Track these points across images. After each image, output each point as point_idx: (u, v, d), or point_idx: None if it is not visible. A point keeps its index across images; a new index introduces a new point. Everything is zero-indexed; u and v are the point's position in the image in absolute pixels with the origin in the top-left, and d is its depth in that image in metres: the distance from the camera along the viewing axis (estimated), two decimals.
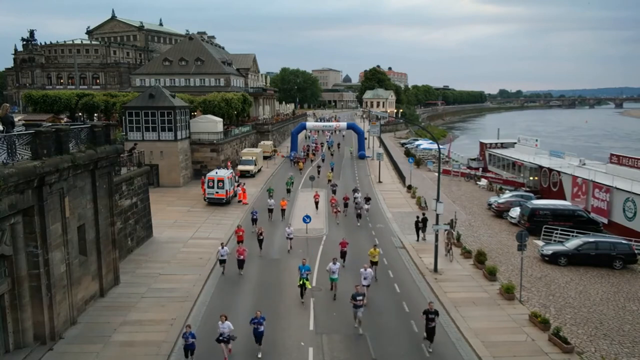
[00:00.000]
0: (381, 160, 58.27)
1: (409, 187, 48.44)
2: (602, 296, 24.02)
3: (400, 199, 45.70)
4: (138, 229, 30.11)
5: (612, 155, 48.67)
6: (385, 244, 31.50)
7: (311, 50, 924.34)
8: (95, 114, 66.84)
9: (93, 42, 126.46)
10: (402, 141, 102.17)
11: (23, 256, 16.92)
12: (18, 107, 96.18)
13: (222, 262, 25.77)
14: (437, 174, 32.44)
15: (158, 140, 47.22)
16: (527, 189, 50.04)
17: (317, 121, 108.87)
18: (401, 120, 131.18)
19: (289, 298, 22.74)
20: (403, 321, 20.85)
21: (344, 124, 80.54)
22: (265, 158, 64.12)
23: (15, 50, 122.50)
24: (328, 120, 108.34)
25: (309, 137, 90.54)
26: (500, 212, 40.18)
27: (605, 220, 37.45)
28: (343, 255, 26.87)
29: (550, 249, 29.25)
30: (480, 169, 63.33)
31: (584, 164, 49.01)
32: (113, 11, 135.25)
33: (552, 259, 28.56)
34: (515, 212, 37.97)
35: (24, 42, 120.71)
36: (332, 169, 54.63)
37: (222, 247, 25.97)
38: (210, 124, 54.02)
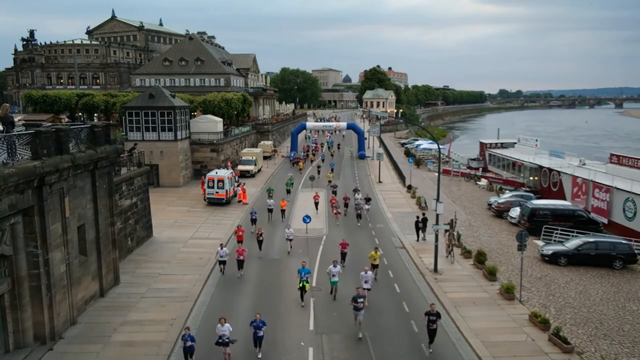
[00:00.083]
0: (381, 160, 58.26)
1: (409, 187, 48.44)
2: (602, 296, 24.02)
3: (400, 199, 45.70)
4: (138, 229, 30.11)
5: (612, 155, 48.67)
6: (385, 244, 31.50)
7: (311, 50, 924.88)
8: (95, 114, 66.82)
9: (93, 42, 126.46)
10: (402, 141, 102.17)
11: (23, 256, 16.93)
12: (18, 107, 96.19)
13: (222, 262, 25.59)
14: (437, 174, 32.44)
15: (158, 140, 47.22)
16: (527, 189, 50.03)
17: (317, 121, 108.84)
18: (401, 120, 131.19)
19: (289, 298, 22.73)
20: (403, 321, 20.84)
21: (344, 124, 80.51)
22: (265, 158, 64.12)
23: (15, 50, 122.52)
24: (328, 121, 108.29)
25: (309, 137, 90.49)
26: (500, 212, 40.17)
27: (605, 220, 37.45)
28: (343, 256, 26.68)
29: (550, 249, 29.25)
30: (480, 169, 63.33)
31: (584, 164, 49.01)
32: (113, 11, 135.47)
33: (552, 259, 28.56)
34: (515, 212, 37.97)
35: (24, 42, 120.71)
36: (332, 170, 54.46)
37: (222, 248, 25.77)
38: (210, 124, 54.01)
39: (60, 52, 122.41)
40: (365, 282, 21.95)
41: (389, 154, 71.70)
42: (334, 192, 42.86)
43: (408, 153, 77.54)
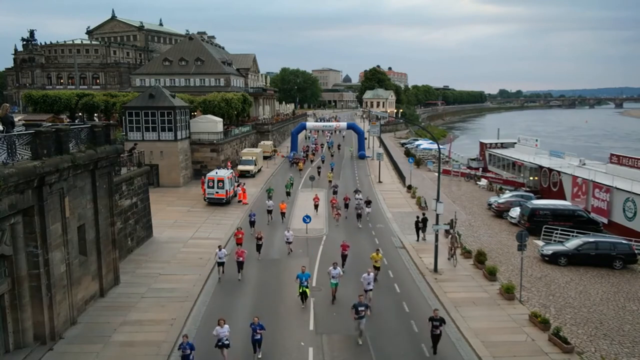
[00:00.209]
0: (381, 160, 58.25)
1: (409, 187, 48.44)
2: (602, 296, 24.02)
3: (400, 199, 45.70)
4: (138, 229, 30.10)
5: (612, 155, 48.67)
6: (385, 244, 31.49)
7: (311, 50, 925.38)
8: (95, 114, 66.81)
9: (93, 42, 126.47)
10: (402, 141, 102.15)
11: (23, 256, 16.92)
12: (18, 107, 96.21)
13: (220, 264, 25.18)
14: (437, 174, 32.44)
15: (158, 140, 47.21)
16: (527, 189, 50.03)
17: (317, 121, 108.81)
18: (401, 120, 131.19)
19: (288, 298, 22.70)
20: (403, 321, 20.84)
21: (344, 124, 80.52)
22: (265, 158, 64.11)
23: (15, 50, 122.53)
24: (328, 121, 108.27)
25: (309, 137, 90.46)
26: (500, 212, 40.16)
27: (605, 220, 37.45)
28: (344, 258, 26.26)
29: (550, 249, 29.24)
30: (480, 169, 63.32)
31: (584, 164, 49.01)
32: (113, 11, 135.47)
33: (552, 259, 28.55)
34: (515, 212, 37.96)
35: (24, 42, 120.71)
36: (332, 170, 54.40)
37: (220, 250, 25.31)
38: (210, 124, 54.01)
39: (60, 52, 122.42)
40: (368, 283, 21.62)
41: (389, 154, 71.70)
42: (335, 192, 42.71)
43: (408, 153, 77.54)
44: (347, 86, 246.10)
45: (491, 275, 25.17)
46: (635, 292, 24.77)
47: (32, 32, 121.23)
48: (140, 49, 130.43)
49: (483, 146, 69.60)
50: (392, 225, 36.21)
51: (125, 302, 21.78)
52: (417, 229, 32.12)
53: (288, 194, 44.04)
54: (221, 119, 58.01)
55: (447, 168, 60.92)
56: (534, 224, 33.89)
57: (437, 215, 26.73)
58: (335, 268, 22.38)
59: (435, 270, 26.23)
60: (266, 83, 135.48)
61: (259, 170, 57.76)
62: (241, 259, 25.06)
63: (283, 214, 36.77)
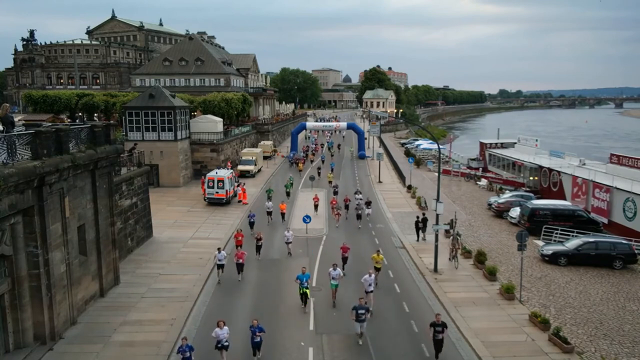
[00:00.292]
0: (381, 160, 58.24)
1: (409, 187, 48.44)
2: (602, 296, 24.02)
3: (400, 199, 45.70)
4: (138, 229, 30.10)
5: (612, 155, 48.67)
6: (385, 244, 31.49)
7: (311, 50, 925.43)
8: (95, 114, 66.81)
9: (93, 42, 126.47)
10: (402, 141, 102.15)
11: (23, 256, 16.93)
12: (18, 107, 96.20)
13: (220, 267, 24.75)
14: (437, 174, 32.43)
15: (158, 140, 47.22)
16: (527, 189, 50.03)
17: (317, 121, 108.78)
18: (401, 120, 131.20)
19: (289, 298, 22.69)
20: (403, 321, 20.84)
21: (344, 124, 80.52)
22: (265, 158, 64.11)
23: (15, 50, 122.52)
24: (328, 121, 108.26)
25: (309, 137, 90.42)
26: (500, 212, 40.16)
27: (605, 220, 37.45)
28: (344, 261, 25.90)
29: (550, 249, 29.24)
30: (480, 169, 63.32)
31: (584, 164, 49.01)
32: (113, 11, 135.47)
33: (552, 259, 28.55)
34: (515, 212, 37.96)
35: (24, 42, 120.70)
36: (332, 170, 54.17)
37: (219, 252, 24.95)
38: (210, 124, 54.02)
39: (60, 52, 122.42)
40: (369, 285, 21.30)
41: (389, 154, 71.70)
42: (335, 193, 42.49)
43: (408, 153, 77.54)
44: (347, 86, 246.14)
45: (491, 275, 25.17)
46: (635, 292, 24.77)
47: (32, 32, 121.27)
48: (140, 49, 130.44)
49: (483, 146, 69.60)
50: (392, 225, 36.20)
51: (125, 302, 21.78)
52: (417, 229, 32.12)
53: (288, 194, 43.91)
54: (221, 119, 58.02)
55: (447, 168, 60.93)
56: (534, 224, 33.89)
57: (437, 215, 26.72)
58: (335, 269, 22.12)
59: (435, 270, 26.23)
60: (266, 83, 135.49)
61: (259, 170, 57.76)
62: (241, 260, 24.83)
63: (283, 214, 36.59)
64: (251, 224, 33.39)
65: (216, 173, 41.79)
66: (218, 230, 33.74)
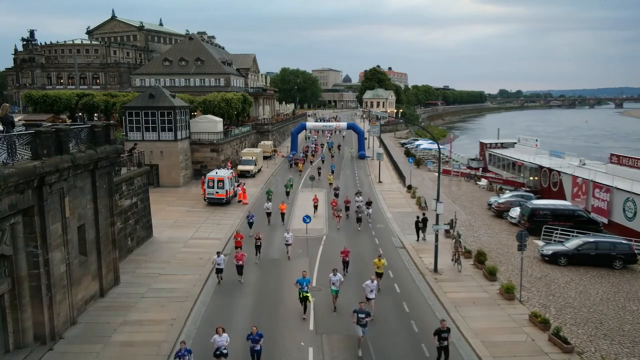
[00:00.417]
0: (381, 160, 58.24)
1: (409, 187, 48.44)
2: (602, 296, 24.02)
3: (400, 199, 45.71)
4: (138, 229, 30.10)
5: (612, 155, 48.64)
6: (385, 244, 31.50)
7: (311, 50, 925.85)
8: (95, 114, 66.87)
9: (93, 42, 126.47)
10: (402, 141, 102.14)
11: (23, 256, 16.93)
12: (18, 107, 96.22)
13: (219, 271, 24.29)
14: (437, 174, 32.43)
15: (158, 140, 47.24)
16: (527, 189, 50.01)
17: (317, 121, 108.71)
18: (401, 120, 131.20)
19: (289, 298, 22.65)
20: (403, 321, 20.84)
21: (344, 124, 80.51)
22: (265, 158, 64.10)
23: (15, 50, 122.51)
24: (328, 121, 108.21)
25: (309, 137, 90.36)
26: (500, 212, 40.16)
27: (605, 220, 37.44)
28: (345, 265, 25.32)
29: (550, 249, 29.24)
30: (480, 169, 63.31)
31: (584, 164, 49.00)
32: (113, 11, 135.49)
33: (552, 259, 28.55)
34: (515, 212, 37.95)
35: (24, 42, 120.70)
36: (332, 172, 53.58)
37: (218, 256, 24.46)
38: (210, 124, 54.04)
39: (60, 52, 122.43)
40: (371, 291, 20.73)
41: (389, 154, 71.71)
42: (336, 195, 41.92)
43: (408, 153, 77.53)
44: (347, 86, 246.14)
45: (491, 275, 25.18)
46: (635, 292, 24.78)
47: (32, 32, 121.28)
48: (140, 49, 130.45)
49: (483, 146, 69.59)
50: (392, 225, 36.20)
51: (125, 302, 21.78)
52: (417, 229, 32.12)
53: (287, 194, 43.74)
54: (221, 119, 58.04)
55: (447, 168, 60.93)
56: (534, 224, 33.89)
57: (437, 215, 26.72)
58: (335, 275, 21.39)
59: (435, 270, 26.23)
60: (266, 83, 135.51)
61: (259, 170, 57.76)
62: (241, 262, 24.50)
63: (283, 214, 36.29)
64: (250, 225, 33.18)
65: (216, 173, 41.79)
66: (218, 230, 33.74)
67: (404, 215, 38.30)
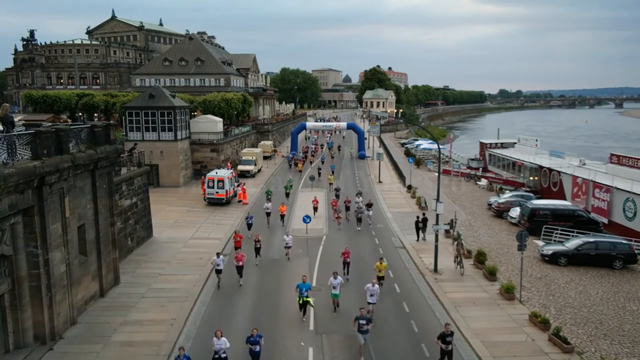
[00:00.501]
0: (381, 160, 58.23)
1: (409, 187, 48.44)
2: (602, 296, 24.02)
3: (400, 199, 45.70)
4: (138, 229, 30.10)
5: (612, 155, 48.64)
6: (385, 244, 31.50)
7: (311, 50, 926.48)
8: (95, 114, 66.88)
9: (93, 42, 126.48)
10: (402, 141, 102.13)
11: (23, 256, 16.93)
12: (18, 107, 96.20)
13: (218, 272, 24.04)
14: (437, 174, 32.43)
15: (158, 140, 47.23)
16: (527, 189, 50.01)
17: (317, 121, 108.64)
18: (401, 120, 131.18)
19: (289, 298, 22.62)
20: (403, 321, 20.83)
21: (344, 124, 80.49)
22: (265, 158, 64.09)
23: (15, 50, 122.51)
24: (328, 121, 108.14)
25: (309, 137, 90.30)
26: (500, 212, 40.15)
27: (606, 220, 37.43)
28: (346, 266, 24.99)
29: (550, 249, 29.24)
30: (480, 169, 63.31)
31: (584, 164, 48.99)
32: (113, 11, 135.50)
33: (552, 259, 28.54)
34: (515, 212, 37.94)
35: (24, 42, 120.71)
36: (332, 172, 53.33)
37: (218, 257, 24.18)
38: (210, 124, 54.03)
39: (60, 52, 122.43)
40: (371, 295, 20.38)
41: (389, 154, 71.70)
42: (337, 196, 41.36)
43: (408, 153, 77.52)
44: (347, 86, 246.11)
45: (491, 275, 25.17)
46: (635, 292, 24.77)
47: (32, 32, 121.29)
48: (140, 49, 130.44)
49: (483, 146, 69.59)
50: (392, 225, 36.19)
51: (125, 302, 21.78)
52: (417, 229, 32.11)
53: (287, 195, 43.56)
54: (221, 119, 58.04)
55: (447, 168, 60.91)
56: (534, 224, 33.88)
57: (437, 215, 26.71)
58: (335, 278, 20.98)
59: (435, 270, 26.22)
60: (266, 83, 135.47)
61: (259, 170, 57.75)
62: (240, 263, 24.27)
63: (283, 216, 35.82)
64: (249, 226, 32.87)
65: (216, 173, 41.78)
66: (218, 230, 33.73)
67: (404, 215, 38.29)
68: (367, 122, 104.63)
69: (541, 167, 50.94)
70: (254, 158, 56.65)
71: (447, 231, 31.91)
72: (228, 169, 47.15)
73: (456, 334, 19.51)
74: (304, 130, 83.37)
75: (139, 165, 33.07)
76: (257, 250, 27.62)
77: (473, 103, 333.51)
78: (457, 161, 69.53)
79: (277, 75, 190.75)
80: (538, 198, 43.68)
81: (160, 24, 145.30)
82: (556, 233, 32.56)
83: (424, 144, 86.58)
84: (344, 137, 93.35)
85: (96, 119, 63.08)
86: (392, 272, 26.46)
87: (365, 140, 74.97)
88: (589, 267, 27.92)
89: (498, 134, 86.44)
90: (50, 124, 25.83)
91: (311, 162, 66.08)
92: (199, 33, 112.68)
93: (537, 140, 65.70)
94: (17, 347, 16.96)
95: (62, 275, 18.72)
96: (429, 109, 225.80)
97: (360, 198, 39.09)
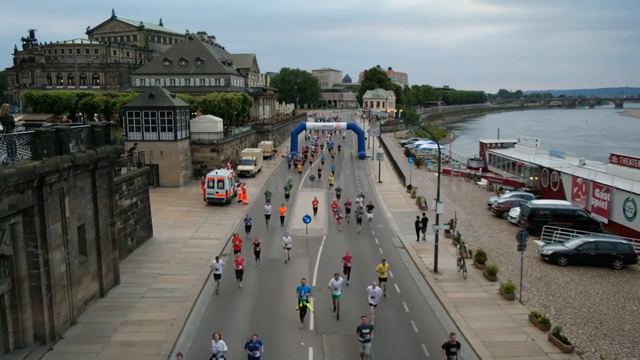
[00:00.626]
0: (381, 160, 58.24)
1: (409, 187, 48.44)
2: (602, 296, 24.02)
3: (400, 199, 45.70)
4: (138, 229, 30.10)
5: (612, 155, 48.64)
6: (385, 244, 31.49)
7: (311, 50, 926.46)
8: (95, 114, 66.81)
9: (93, 42, 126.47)
10: (402, 141, 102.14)
11: (23, 256, 16.93)
12: (18, 107, 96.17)
13: (217, 277, 23.53)
14: (437, 174, 32.42)
15: (158, 140, 47.23)
16: (527, 189, 50.01)
17: (317, 121, 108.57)
18: (401, 120, 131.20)
19: (289, 299, 22.61)
20: (403, 321, 20.83)
21: (344, 124, 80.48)
22: (265, 158, 64.08)
23: (15, 50, 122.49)
24: (328, 121, 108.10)
25: (309, 137, 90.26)
26: (500, 212, 40.15)
27: (606, 220, 37.43)
28: (347, 270, 24.39)
29: (550, 249, 29.24)
30: (480, 169, 63.30)
31: (584, 164, 48.99)
32: (113, 11, 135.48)
33: (552, 259, 28.55)
34: (515, 212, 37.94)
35: (24, 42, 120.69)
36: (332, 173, 53.24)
37: (217, 261, 23.64)
38: (210, 124, 54.03)
39: (60, 52, 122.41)
40: (372, 297, 20.12)
41: (389, 154, 71.71)
42: (338, 197, 41.42)
43: (408, 153, 77.52)
44: (347, 86, 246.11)
45: (491, 275, 25.17)
46: (635, 292, 24.77)
47: (32, 32, 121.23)
48: (140, 49, 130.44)
49: (483, 146, 69.58)
50: (392, 225, 36.19)
51: (125, 302, 21.78)
52: (417, 229, 32.10)
53: (287, 196, 43.26)
54: (221, 119, 58.03)
55: (447, 168, 60.92)
56: (534, 224, 33.88)
57: (437, 215, 26.71)
58: (337, 279, 20.68)
59: (435, 270, 26.22)
60: (266, 83, 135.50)
61: (259, 171, 57.75)
62: (240, 267, 23.94)
63: (282, 217, 35.55)
64: (248, 228, 32.50)
65: (216, 173, 41.78)
66: (218, 230, 33.72)
67: (404, 215, 38.28)
68: (367, 122, 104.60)
69: (541, 167, 50.94)
70: (254, 158, 56.66)
71: (447, 231, 31.92)
72: (228, 169, 47.15)
73: (456, 334, 19.51)
74: (304, 131, 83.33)
75: (139, 165, 33.07)
76: (257, 254, 27.17)
77: (473, 103, 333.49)
78: (457, 161, 69.55)
79: (277, 75, 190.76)
80: (538, 198, 43.67)
81: (160, 24, 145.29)
82: (556, 233, 32.55)
83: (424, 144, 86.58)
84: (344, 137, 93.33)
85: (96, 119, 62.99)
86: (392, 272, 26.38)
87: (365, 140, 74.95)
88: (589, 267, 27.92)
89: (498, 134, 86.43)
90: (50, 124, 25.81)
91: (311, 163, 66.03)
92: (199, 33, 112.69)
93: (537, 140, 65.69)
94: (17, 347, 16.96)
95: (62, 275, 18.72)
96: (429, 109, 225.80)
97: (362, 199, 39.02)
